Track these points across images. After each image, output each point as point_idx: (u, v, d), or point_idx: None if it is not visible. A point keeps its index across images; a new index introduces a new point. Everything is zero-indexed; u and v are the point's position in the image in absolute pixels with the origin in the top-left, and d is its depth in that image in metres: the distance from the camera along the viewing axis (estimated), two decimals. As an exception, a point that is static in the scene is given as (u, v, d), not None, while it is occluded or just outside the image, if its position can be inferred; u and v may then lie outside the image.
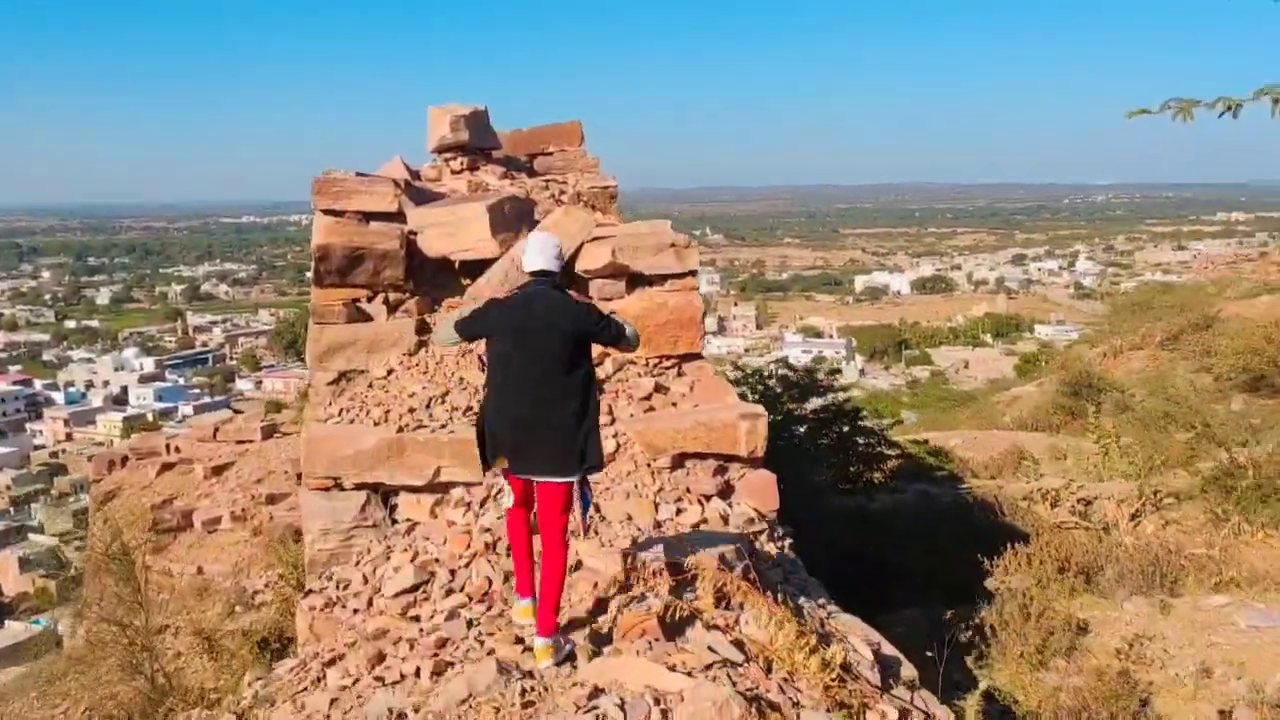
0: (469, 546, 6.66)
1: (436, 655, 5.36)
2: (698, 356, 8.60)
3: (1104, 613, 8.86)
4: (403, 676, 5.26)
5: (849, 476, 16.02)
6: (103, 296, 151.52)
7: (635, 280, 8.67)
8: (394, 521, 7.58)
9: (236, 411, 24.16)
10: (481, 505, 7.19)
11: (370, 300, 8.73)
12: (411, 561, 6.71)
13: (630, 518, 6.77)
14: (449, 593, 6.27)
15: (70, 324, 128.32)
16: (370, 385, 8.31)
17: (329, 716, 5.12)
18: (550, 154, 12.12)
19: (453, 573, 6.48)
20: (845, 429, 16.15)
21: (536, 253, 5.19)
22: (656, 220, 9.39)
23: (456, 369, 8.23)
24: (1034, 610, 8.39)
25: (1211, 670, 7.63)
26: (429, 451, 7.43)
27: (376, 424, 7.76)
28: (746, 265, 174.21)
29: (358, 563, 7.23)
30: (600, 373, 8.06)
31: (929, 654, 6.32)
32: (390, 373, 8.39)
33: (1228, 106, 4.10)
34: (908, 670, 5.25)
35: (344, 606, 6.69)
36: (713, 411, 7.70)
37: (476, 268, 8.86)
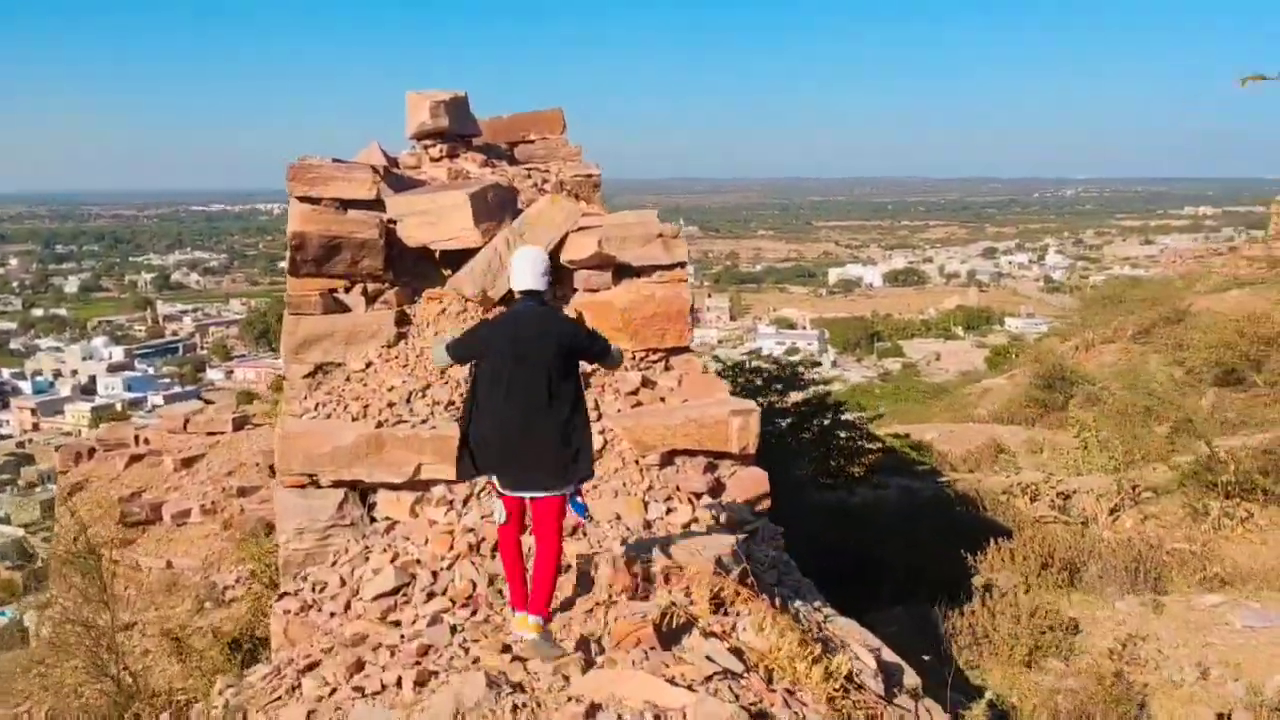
0: (451, 547, 6.42)
1: (419, 664, 5.12)
2: (686, 350, 8.38)
3: (1094, 611, 8.74)
4: (384, 687, 5.02)
5: (830, 471, 15.91)
6: (71, 285, 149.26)
7: (622, 271, 8.43)
8: (372, 520, 7.33)
9: (207, 402, 23.74)
10: (464, 504, 6.94)
11: (348, 291, 8.43)
12: (391, 563, 6.46)
13: (619, 517, 6.55)
14: (431, 596, 6.04)
15: (38, 312, 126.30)
16: (348, 378, 8.03)
17: (306, 730, 4.88)
18: (531, 142, 11.82)
19: (435, 575, 6.23)
20: (826, 422, 16.04)
21: (525, 272, 5.25)
22: (643, 210, 9.16)
23: (437, 362, 7.97)
24: (1025, 609, 8.26)
25: (1208, 672, 7.53)
26: (410, 448, 7.17)
27: (355, 419, 7.49)
28: (720, 257, 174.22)
29: (334, 563, 6.97)
30: (585, 366, 7.84)
31: (925, 657, 6.14)
32: (369, 366, 8.11)
33: None
34: (910, 678, 5.07)
35: (320, 610, 6.43)
36: (703, 407, 7.49)
37: (458, 258, 8.58)
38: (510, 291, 5.86)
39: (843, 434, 16.28)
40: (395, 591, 6.20)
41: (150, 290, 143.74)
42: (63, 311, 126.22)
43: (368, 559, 6.72)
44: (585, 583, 5.59)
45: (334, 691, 5.18)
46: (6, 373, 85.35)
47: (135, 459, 17.17)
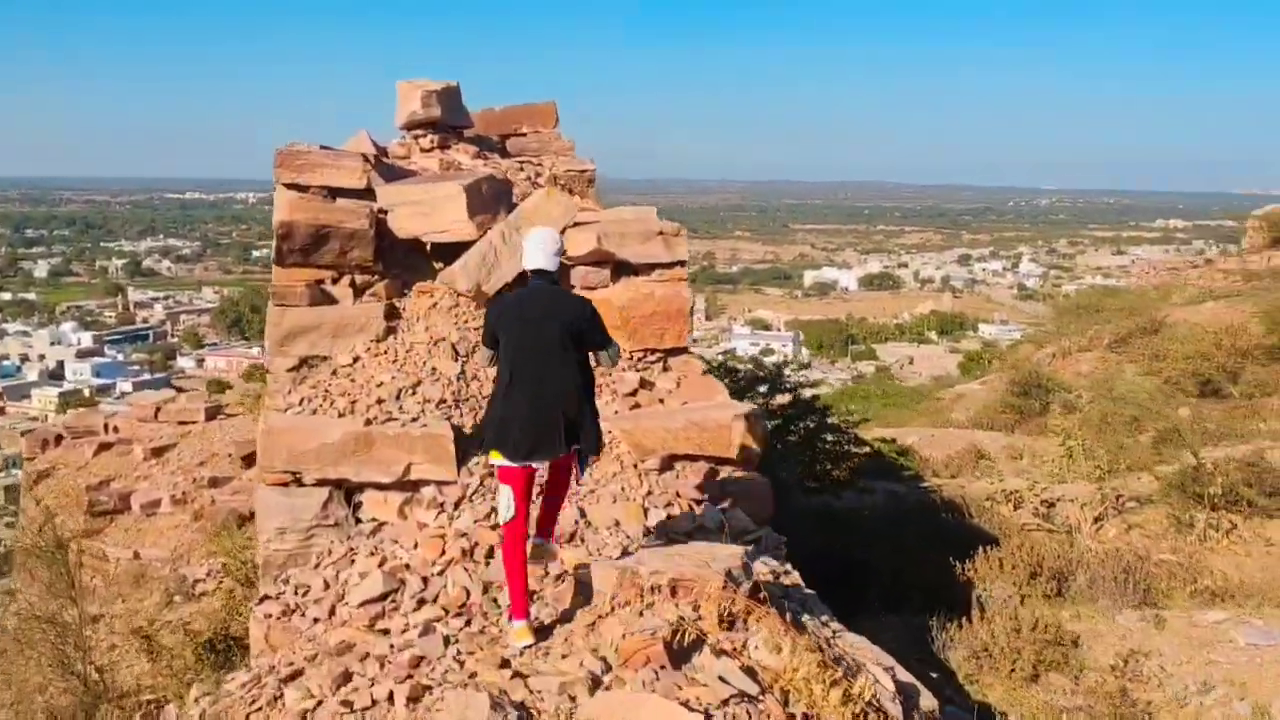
0: (443, 552, 6.16)
1: (411, 677, 4.87)
2: (684, 351, 8.16)
3: (1093, 625, 8.59)
4: (374, 701, 4.75)
5: (815, 474, 15.73)
6: (41, 269, 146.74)
7: (620, 269, 8.20)
8: (358, 521, 7.04)
9: (179, 390, 23.25)
10: (456, 506, 6.66)
11: (336, 282, 8.13)
12: (379, 567, 6.20)
13: (618, 524, 6.31)
14: (421, 604, 5.78)
15: (6, 296, 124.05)
16: (334, 373, 7.73)
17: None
18: (524, 135, 11.56)
19: (425, 581, 5.98)
20: (812, 425, 15.86)
21: (537, 251, 5.28)
22: (641, 206, 8.92)
23: (429, 358, 7.68)
24: (1025, 622, 8.10)
25: (1212, 690, 7.38)
26: (399, 446, 6.89)
27: (341, 415, 7.20)
28: (697, 257, 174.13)
29: (318, 565, 6.68)
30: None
31: (934, 675, 5.94)
32: (356, 360, 7.81)
33: None
34: (927, 700, 4.86)
35: (304, 614, 6.16)
36: (705, 411, 7.27)
37: (451, 251, 8.29)
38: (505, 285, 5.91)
39: (829, 437, 16.11)
40: (383, 597, 5.94)
41: (121, 276, 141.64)
42: (31, 296, 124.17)
43: (353, 562, 6.45)
44: (585, 592, 5.35)
45: (319, 705, 4.91)
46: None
47: (104, 447, 16.71)
